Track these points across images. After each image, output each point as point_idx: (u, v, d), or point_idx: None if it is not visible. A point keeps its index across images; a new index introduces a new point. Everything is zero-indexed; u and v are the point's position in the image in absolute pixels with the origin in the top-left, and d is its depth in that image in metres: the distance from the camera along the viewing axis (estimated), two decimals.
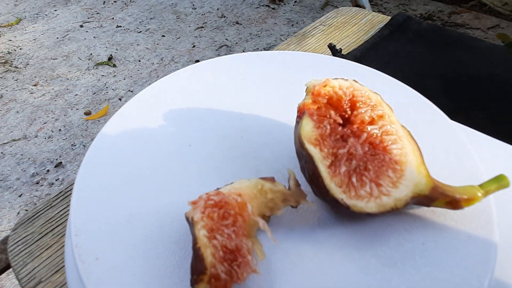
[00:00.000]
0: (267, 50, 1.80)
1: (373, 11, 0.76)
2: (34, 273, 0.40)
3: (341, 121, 0.31)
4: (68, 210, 0.45)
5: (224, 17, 2.08)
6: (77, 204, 0.32)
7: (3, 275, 1.09)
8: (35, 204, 1.26)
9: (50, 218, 0.44)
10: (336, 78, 0.32)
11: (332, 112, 0.31)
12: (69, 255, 0.33)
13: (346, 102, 0.32)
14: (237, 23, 2.02)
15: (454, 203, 0.29)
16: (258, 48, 1.83)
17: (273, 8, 2.12)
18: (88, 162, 0.35)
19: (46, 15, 2.15)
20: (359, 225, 0.30)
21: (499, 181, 0.30)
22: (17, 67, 1.81)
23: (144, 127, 0.39)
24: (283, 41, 0.69)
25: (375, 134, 0.30)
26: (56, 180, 1.33)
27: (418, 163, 0.30)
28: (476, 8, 1.97)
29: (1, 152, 1.43)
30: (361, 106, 0.31)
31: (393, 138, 0.30)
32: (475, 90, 0.55)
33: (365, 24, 0.72)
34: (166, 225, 0.31)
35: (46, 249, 0.42)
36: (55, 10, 2.19)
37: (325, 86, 0.32)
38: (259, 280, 0.28)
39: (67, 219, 0.44)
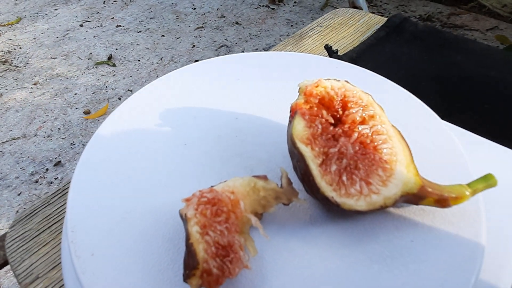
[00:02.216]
0: (266, 50, 1.80)
1: (373, 12, 0.77)
2: (32, 269, 0.40)
3: (332, 121, 0.32)
4: (66, 208, 0.45)
5: (224, 17, 2.08)
6: (74, 201, 0.33)
7: (1, 273, 1.10)
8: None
9: (48, 215, 0.45)
10: (328, 79, 0.33)
11: (324, 112, 0.32)
12: (66, 251, 0.34)
13: (338, 102, 0.32)
14: (237, 23, 2.03)
15: (442, 201, 0.30)
16: (257, 49, 1.83)
17: (272, 9, 2.13)
18: (85, 160, 0.36)
19: (46, 14, 2.16)
20: (350, 223, 0.31)
21: (487, 180, 0.30)
22: (17, 66, 1.81)
23: (140, 126, 0.39)
24: (282, 41, 0.69)
25: (365, 134, 0.31)
26: (55, 179, 1.34)
27: (408, 162, 0.31)
28: (475, 10, 1.97)
29: (1, 151, 1.44)
30: (352, 106, 0.32)
31: (384, 138, 0.31)
32: (469, 91, 0.56)
33: (362, 25, 0.73)
34: (161, 222, 0.32)
35: (44, 245, 0.42)
36: (55, 10, 2.19)
37: (317, 86, 0.32)
38: (251, 276, 0.28)
39: (64, 216, 0.45)
